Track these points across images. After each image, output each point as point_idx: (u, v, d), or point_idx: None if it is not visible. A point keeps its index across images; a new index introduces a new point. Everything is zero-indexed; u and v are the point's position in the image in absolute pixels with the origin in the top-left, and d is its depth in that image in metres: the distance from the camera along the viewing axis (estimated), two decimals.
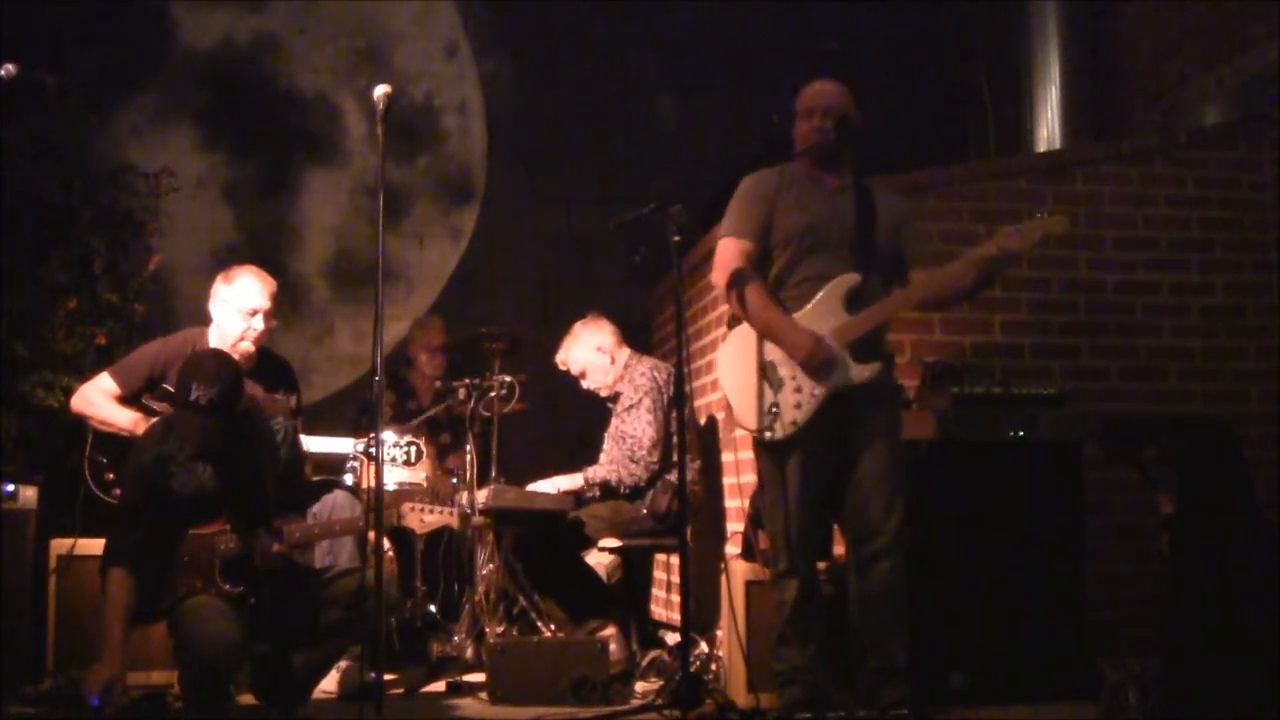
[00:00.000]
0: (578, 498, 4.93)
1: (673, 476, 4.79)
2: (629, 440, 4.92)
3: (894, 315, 3.86)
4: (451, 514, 4.03)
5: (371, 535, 4.13)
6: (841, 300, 3.72)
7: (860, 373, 3.69)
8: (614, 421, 5.10)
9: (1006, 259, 3.71)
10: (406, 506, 3.91)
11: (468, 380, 5.09)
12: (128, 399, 4.48)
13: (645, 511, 4.88)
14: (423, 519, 3.88)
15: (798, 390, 3.69)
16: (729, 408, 3.86)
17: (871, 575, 3.71)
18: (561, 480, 4.96)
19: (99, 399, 4.47)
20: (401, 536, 5.33)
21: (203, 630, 3.54)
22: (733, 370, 3.83)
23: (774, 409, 3.69)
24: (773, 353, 3.74)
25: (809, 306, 3.74)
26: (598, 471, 4.93)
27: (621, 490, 4.89)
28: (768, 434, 3.70)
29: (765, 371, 3.73)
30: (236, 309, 4.50)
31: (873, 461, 3.72)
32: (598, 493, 4.92)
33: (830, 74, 3.93)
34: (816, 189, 3.83)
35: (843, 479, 3.77)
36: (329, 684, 4.05)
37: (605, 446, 5.09)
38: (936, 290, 3.79)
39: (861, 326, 3.70)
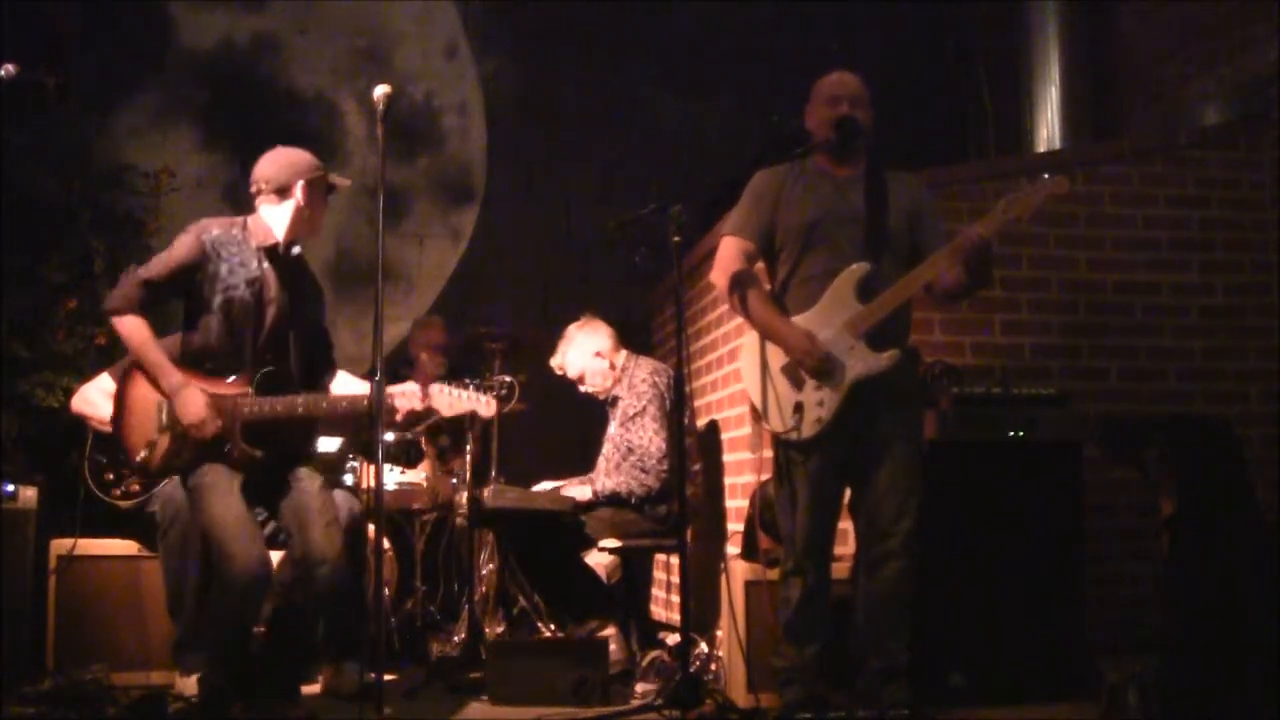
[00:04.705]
0: (585, 507, 4.88)
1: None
2: (637, 451, 4.87)
3: (907, 297, 3.71)
4: (477, 400, 3.87)
5: (372, 535, 4.15)
6: (852, 291, 3.66)
7: (877, 362, 3.63)
8: (612, 426, 5.07)
9: (1000, 230, 3.61)
10: (435, 388, 3.79)
11: (468, 380, 5.07)
12: None
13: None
14: (450, 402, 3.80)
15: (818, 388, 3.65)
16: (754, 411, 3.81)
17: (879, 576, 3.70)
18: (570, 489, 4.92)
19: (99, 399, 4.47)
20: (400, 537, 5.34)
21: (235, 548, 3.56)
22: (754, 373, 3.78)
23: (799, 407, 3.66)
24: None
25: (819, 303, 3.69)
26: (606, 484, 4.87)
27: (632, 500, 4.84)
28: (795, 433, 3.66)
29: (786, 370, 3.70)
30: None
31: (889, 461, 3.68)
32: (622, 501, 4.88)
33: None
34: (826, 181, 3.79)
35: (858, 477, 3.74)
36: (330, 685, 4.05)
37: (604, 451, 5.07)
38: (943, 266, 3.64)
39: (874, 314, 3.63)
